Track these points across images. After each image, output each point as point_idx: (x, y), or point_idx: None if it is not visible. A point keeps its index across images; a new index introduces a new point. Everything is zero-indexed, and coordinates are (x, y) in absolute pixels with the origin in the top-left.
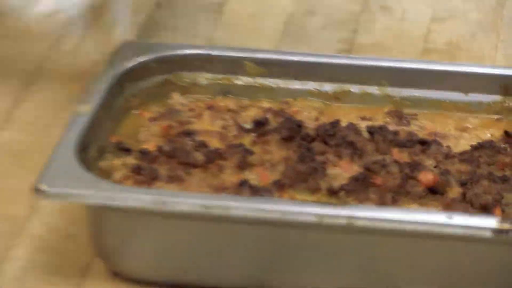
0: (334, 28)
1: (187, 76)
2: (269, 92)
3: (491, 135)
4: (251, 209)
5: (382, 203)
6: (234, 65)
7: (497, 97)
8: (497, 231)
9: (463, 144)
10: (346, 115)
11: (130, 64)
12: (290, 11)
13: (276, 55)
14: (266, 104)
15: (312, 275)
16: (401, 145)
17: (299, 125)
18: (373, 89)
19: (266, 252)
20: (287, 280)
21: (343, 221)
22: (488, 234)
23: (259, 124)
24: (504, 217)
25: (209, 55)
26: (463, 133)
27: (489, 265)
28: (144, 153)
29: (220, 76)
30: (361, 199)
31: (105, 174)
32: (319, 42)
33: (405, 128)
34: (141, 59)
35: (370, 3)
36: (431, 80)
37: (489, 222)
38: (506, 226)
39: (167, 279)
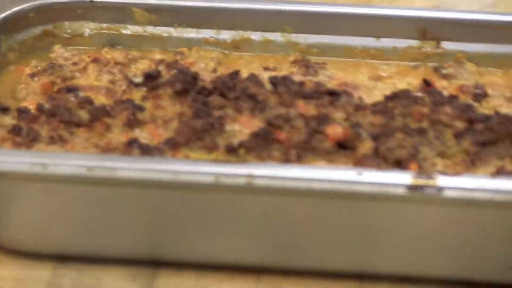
0: None
1: (69, 27)
2: (161, 42)
3: (408, 83)
4: (139, 170)
5: (286, 160)
6: (121, 13)
7: (413, 42)
8: (412, 187)
9: (378, 94)
10: (248, 66)
11: (4, 14)
12: None
13: (168, 1)
14: (158, 56)
15: (210, 242)
16: (308, 96)
17: (195, 78)
18: (276, 36)
19: (159, 218)
20: (183, 249)
21: (242, 180)
22: (402, 190)
23: (150, 78)
24: (419, 172)
25: (91, 2)
26: (377, 83)
27: (405, 226)
28: (22, 112)
29: (105, 25)
30: (263, 157)
31: None
32: None
33: (312, 78)
34: (17, 8)
35: None
36: (340, 24)
37: (403, 178)
38: (421, 181)
39: (51, 251)
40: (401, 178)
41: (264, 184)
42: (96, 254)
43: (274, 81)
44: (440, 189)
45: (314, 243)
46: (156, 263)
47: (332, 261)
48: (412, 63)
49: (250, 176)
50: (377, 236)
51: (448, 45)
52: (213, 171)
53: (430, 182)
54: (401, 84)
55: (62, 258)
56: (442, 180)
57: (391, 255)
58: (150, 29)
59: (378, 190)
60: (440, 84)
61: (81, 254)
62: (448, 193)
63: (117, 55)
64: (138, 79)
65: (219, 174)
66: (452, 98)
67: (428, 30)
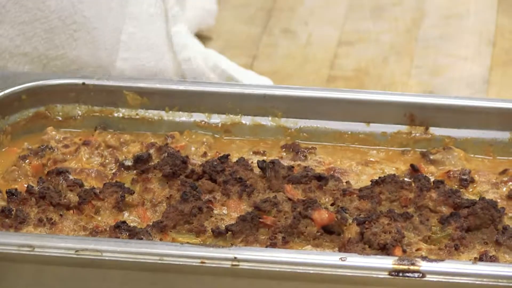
0: (231, 54)
1: (61, 109)
2: (152, 125)
3: (396, 169)
4: (126, 253)
5: (272, 244)
6: (112, 96)
7: (402, 127)
8: (394, 272)
9: (365, 179)
10: (238, 150)
11: None
12: None
13: (160, 84)
14: (150, 139)
15: None
16: (296, 181)
17: (184, 161)
18: (267, 121)
19: None
20: None
21: (227, 264)
22: (384, 275)
23: (140, 161)
24: (402, 257)
25: (84, 84)
26: (365, 168)
27: None
28: (12, 194)
29: (97, 108)
30: (250, 241)
31: None
32: None
33: (301, 163)
34: (9, 90)
35: (272, 26)
36: (330, 109)
37: (385, 263)
38: (403, 266)
39: None
40: (383, 263)
41: (249, 267)
42: None
43: (262, 166)
44: (422, 274)
45: None
46: None
47: None
48: (401, 148)
49: (235, 259)
50: None
51: (436, 131)
52: (199, 254)
53: (412, 267)
54: (389, 169)
55: None
56: (424, 265)
57: None
58: (142, 113)
59: (360, 275)
60: (428, 170)
61: None
62: (430, 278)
63: (109, 138)
64: (129, 162)
65: (204, 257)
66: (438, 184)
67: (416, 115)
